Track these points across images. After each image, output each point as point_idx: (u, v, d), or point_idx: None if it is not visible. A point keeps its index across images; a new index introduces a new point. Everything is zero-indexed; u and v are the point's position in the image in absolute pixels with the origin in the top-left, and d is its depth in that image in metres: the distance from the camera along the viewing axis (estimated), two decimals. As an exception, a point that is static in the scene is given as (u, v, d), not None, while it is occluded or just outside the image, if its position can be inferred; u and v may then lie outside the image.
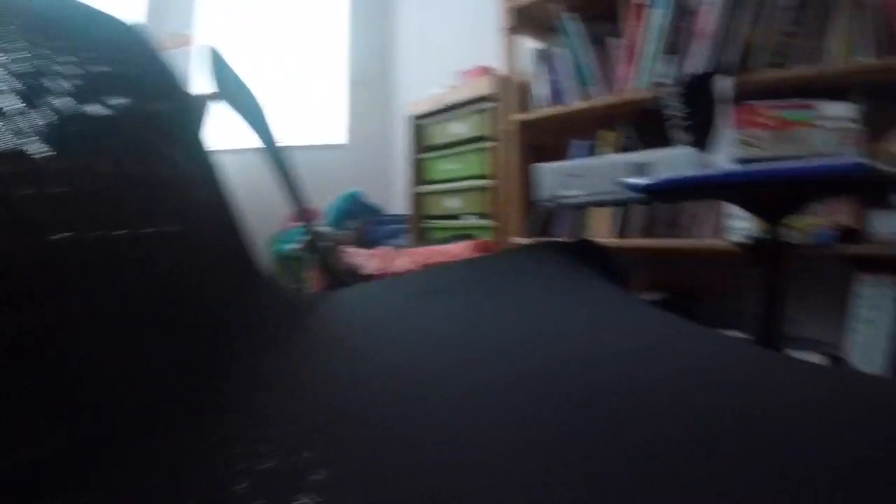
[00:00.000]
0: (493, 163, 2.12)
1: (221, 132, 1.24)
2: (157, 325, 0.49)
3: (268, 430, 0.40)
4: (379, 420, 0.41)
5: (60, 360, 0.41)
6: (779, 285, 0.80)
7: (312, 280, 2.14)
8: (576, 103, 1.81)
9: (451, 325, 0.62)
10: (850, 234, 1.24)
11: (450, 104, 2.33)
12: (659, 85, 1.53)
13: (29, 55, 0.49)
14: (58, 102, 0.49)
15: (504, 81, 2.07)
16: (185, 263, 0.58)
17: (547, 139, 1.98)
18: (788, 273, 0.80)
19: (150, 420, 0.42)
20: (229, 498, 0.31)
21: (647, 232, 1.67)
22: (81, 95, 0.52)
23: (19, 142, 0.44)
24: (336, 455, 0.36)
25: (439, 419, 0.40)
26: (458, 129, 2.31)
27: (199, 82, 1.18)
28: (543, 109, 1.91)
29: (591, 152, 1.82)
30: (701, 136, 1.24)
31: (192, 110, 0.74)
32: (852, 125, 1.24)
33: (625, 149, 1.64)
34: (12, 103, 0.45)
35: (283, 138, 1.07)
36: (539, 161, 1.31)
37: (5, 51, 0.48)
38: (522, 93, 2.01)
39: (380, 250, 2.14)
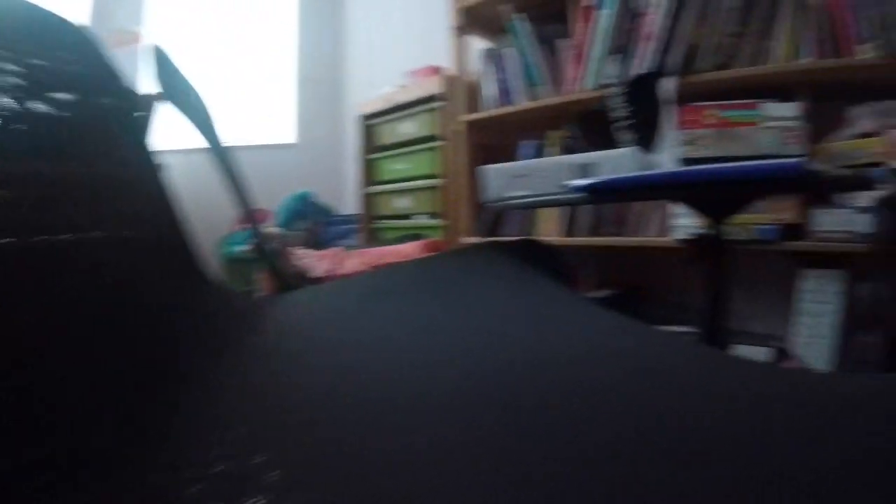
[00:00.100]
0: (442, 162, 2.11)
1: (167, 132, 1.20)
2: (104, 331, 0.48)
3: (218, 434, 0.40)
4: (330, 422, 0.41)
5: (1, 368, 0.39)
6: (723, 281, 0.82)
7: (262, 283, 2.10)
8: (524, 103, 1.83)
9: (401, 327, 0.62)
10: (793, 231, 1.29)
11: (399, 104, 2.32)
12: (605, 86, 1.55)
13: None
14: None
15: (453, 81, 2.07)
16: (131, 268, 0.58)
17: (496, 139, 1.99)
18: (733, 269, 0.82)
19: (98, 427, 0.41)
20: (182, 502, 0.32)
21: (595, 230, 1.69)
22: (23, 93, 0.51)
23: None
24: (288, 457, 0.36)
25: (390, 420, 0.40)
26: (408, 128, 2.29)
27: (147, 81, 1.14)
28: (492, 109, 1.92)
29: (540, 152, 1.83)
30: (645, 136, 1.26)
31: (138, 109, 0.72)
32: (795, 124, 1.28)
33: (570, 149, 1.65)
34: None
35: (229, 138, 1.04)
36: (488, 160, 1.30)
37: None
38: (472, 93, 2.01)
39: (330, 251, 2.11)
